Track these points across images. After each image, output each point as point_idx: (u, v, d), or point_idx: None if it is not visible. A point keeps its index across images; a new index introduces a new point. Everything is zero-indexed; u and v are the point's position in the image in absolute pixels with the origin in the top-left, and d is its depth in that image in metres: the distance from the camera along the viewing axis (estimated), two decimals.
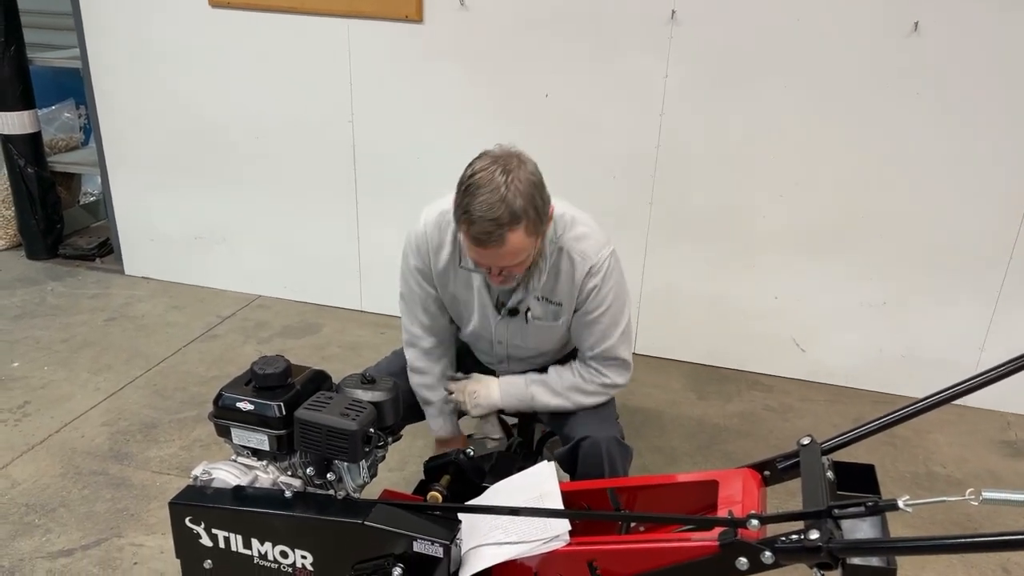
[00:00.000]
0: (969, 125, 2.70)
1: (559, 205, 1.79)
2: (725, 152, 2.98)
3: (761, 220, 3.03)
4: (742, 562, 1.22)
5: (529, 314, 1.87)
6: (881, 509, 1.16)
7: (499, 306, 1.89)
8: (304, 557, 1.46)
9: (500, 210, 1.57)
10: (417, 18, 3.03)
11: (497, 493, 1.59)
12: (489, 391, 1.94)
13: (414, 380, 2.01)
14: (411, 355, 2.02)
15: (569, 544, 1.36)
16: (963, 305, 2.93)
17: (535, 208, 1.62)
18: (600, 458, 1.77)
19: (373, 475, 1.59)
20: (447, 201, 1.74)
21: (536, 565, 1.41)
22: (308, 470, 1.55)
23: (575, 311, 1.86)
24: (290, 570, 1.47)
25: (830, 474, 1.31)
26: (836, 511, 1.18)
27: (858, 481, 1.32)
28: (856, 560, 1.14)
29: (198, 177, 3.61)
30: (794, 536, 1.18)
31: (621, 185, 3.13)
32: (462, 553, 1.43)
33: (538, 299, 1.85)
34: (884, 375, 3.04)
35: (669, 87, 2.92)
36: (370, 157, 3.36)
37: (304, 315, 3.56)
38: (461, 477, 1.70)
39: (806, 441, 1.38)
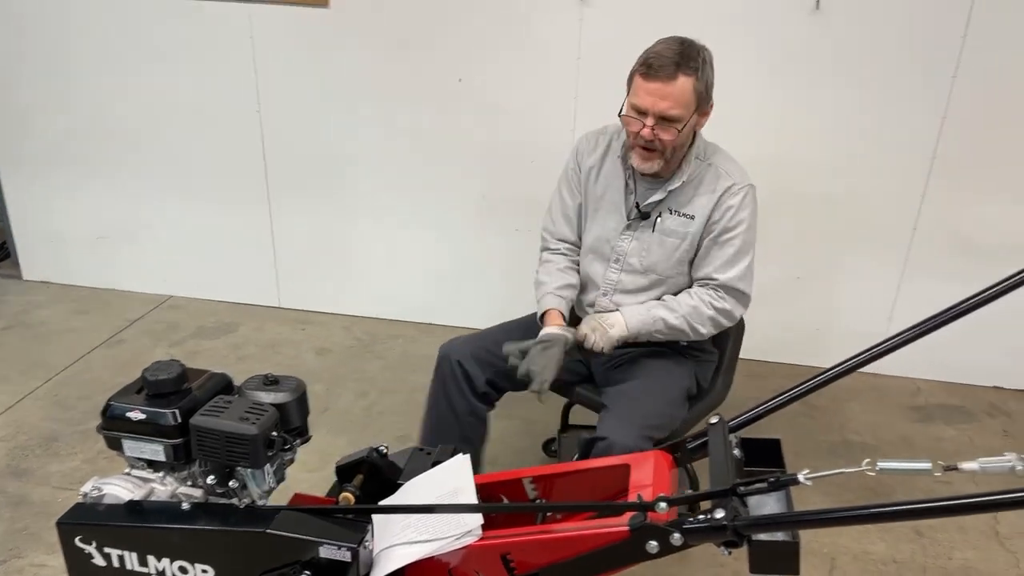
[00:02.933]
0: (872, 103, 2.78)
1: (711, 138, 1.91)
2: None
3: None
4: (652, 545, 1.21)
5: (659, 221, 1.89)
6: (783, 484, 1.17)
7: (631, 211, 1.91)
8: (205, 572, 1.38)
9: (678, 50, 1.70)
10: (322, 2, 2.92)
11: (411, 490, 1.54)
12: (617, 320, 1.90)
13: (538, 289, 2.08)
14: (543, 270, 2.10)
15: (482, 538, 1.33)
16: (871, 278, 3.02)
17: (706, 78, 1.74)
18: None
19: (280, 480, 1.52)
20: (607, 125, 1.98)
21: (451, 562, 1.37)
22: (209, 479, 1.47)
23: (706, 231, 1.87)
24: None
25: (737, 452, 1.32)
26: (740, 489, 1.18)
27: (765, 456, 1.33)
28: (761, 536, 1.14)
29: (99, 174, 3.42)
30: (701, 516, 1.18)
31: (539, 169, 3.10)
32: (374, 555, 1.38)
33: (671, 211, 1.89)
34: (800, 348, 3.11)
35: (582, 69, 2.90)
36: (281, 147, 3.25)
37: (219, 314, 3.42)
38: (375, 476, 1.64)
39: (714, 420, 1.39)
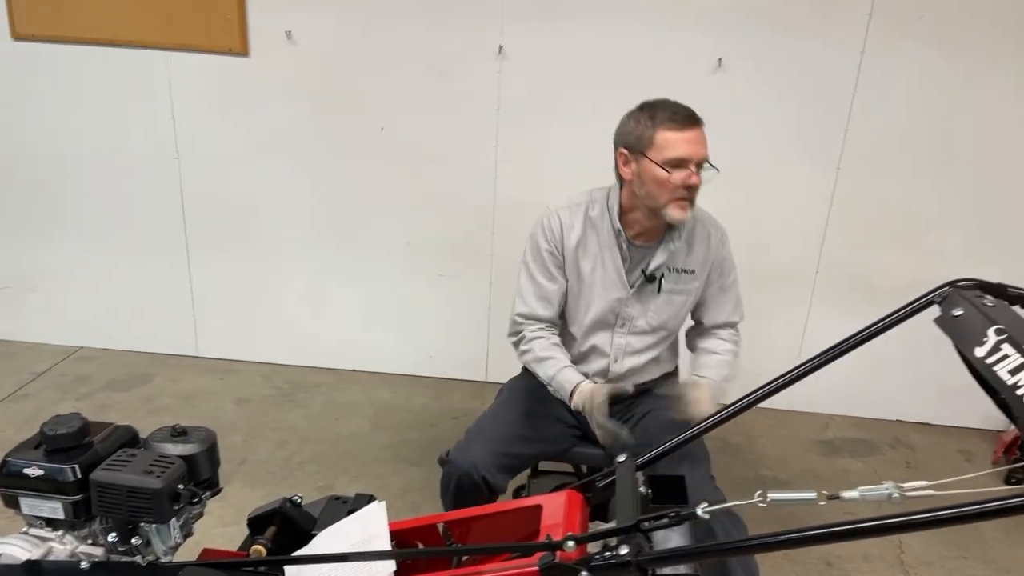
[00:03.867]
0: (773, 154, 2.95)
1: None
2: (561, 184, 3.06)
3: None
4: None
5: (663, 282, 1.90)
6: (684, 519, 1.21)
7: (637, 281, 1.91)
8: None
9: (682, 103, 1.81)
10: (242, 51, 2.94)
11: (325, 540, 1.52)
12: (705, 385, 1.88)
13: (545, 365, 1.94)
14: (538, 346, 1.96)
15: None
16: (780, 318, 3.17)
17: None
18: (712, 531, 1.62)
19: (188, 534, 1.48)
20: (570, 196, 1.97)
21: None
22: (110, 536, 1.41)
23: (708, 283, 1.95)
24: None
25: (643, 488, 1.35)
26: (644, 524, 1.21)
27: (671, 493, 1.37)
28: (665, 570, 1.18)
29: (3, 222, 3.29)
30: (607, 553, 1.21)
31: (465, 217, 3.16)
32: None
33: (670, 270, 1.91)
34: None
35: (502, 119, 2.99)
36: (201, 195, 3.21)
37: (132, 366, 3.31)
38: (288, 527, 1.61)
39: (622, 459, 1.42)
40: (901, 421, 3.21)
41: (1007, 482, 2.82)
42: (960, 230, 2.95)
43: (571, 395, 1.88)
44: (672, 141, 1.76)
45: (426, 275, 3.24)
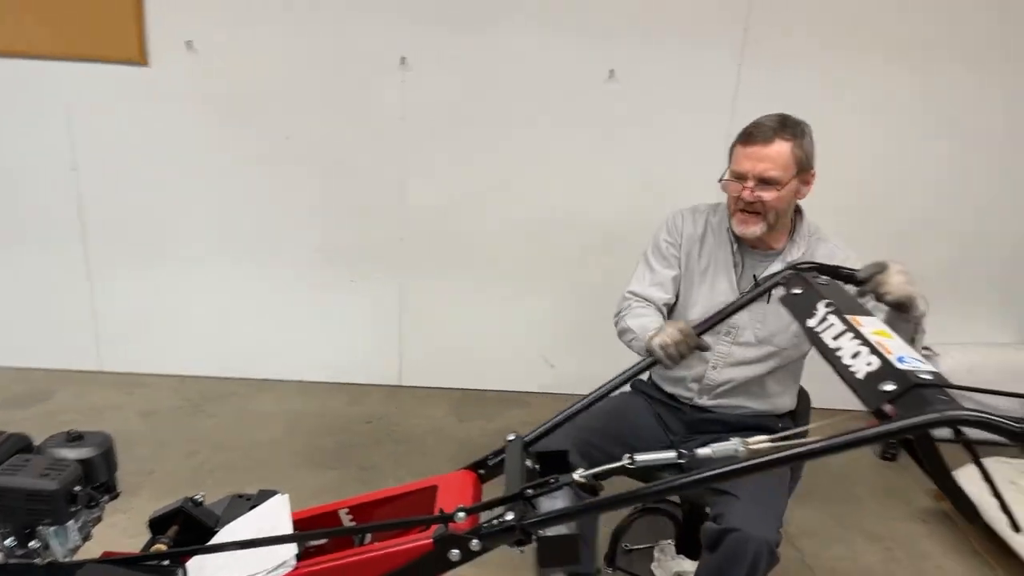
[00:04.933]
0: (665, 155, 3.14)
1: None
2: (467, 191, 3.19)
3: (503, 251, 3.27)
4: (455, 553, 1.32)
5: (774, 293, 1.72)
6: (562, 484, 1.32)
7: (746, 288, 1.82)
8: None
9: (779, 120, 1.76)
10: (141, 61, 2.93)
11: (228, 534, 1.56)
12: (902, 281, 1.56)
13: (639, 319, 1.84)
14: (640, 310, 1.89)
15: (296, 568, 1.38)
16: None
17: (806, 151, 1.77)
18: (744, 558, 1.59)
19: (86, 537, 1.49)
20: (698, 204, 1.98)
21: None
22: (7, 541, 1.42)
23: None
24: None
25: (529, 463, 1.46)
26: (528, 492, 1.32)
27: (556, 466, 1.48)
28: (547, 532, 1.28)
29: None
30: (495, 521, 1.30)
31: (375, 223, 3.23)
32: None
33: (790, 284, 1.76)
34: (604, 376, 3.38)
35: (407, 127, 3.08)
36: (101, 206, 3.16)
37: (32, 382, 3.21)
38: (190, 525, 1.63)
39: (511, 437, 1.53)
40: None
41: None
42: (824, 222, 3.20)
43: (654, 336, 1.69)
44: (737, 155, 1.80)
45: (337, 282, 3.28)
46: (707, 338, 1.79)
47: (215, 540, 1.55)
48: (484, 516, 1.37)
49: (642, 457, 1.29)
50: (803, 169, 1.78)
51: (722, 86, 3.05)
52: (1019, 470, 2.57)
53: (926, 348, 2.99)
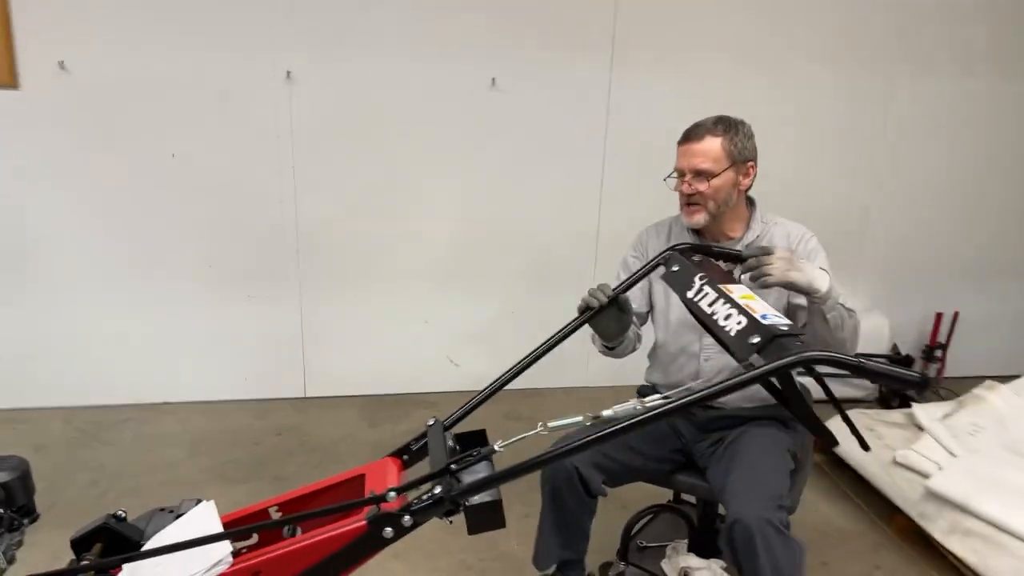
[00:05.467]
0: (544, 158, 3.33)
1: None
2: (358, 201, 3.26)
3: (399, 258, 3.36)
4: (388, 531, 1.41)
5: (742, 278, 1.73)
6: (484, 456, 1.45)
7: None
8: None
9: (713, 120, 1.93)
10: (11, 83, 2.81)
11: (157, 543, 1.57)
12: (814, 269, 1.72)
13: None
14: None
15: (233, 565, 1.43)
16: (567, 307, 3.54)
17: (739, 145, 1.90)
18: (754, 544, 1.63)
19: (11, 560, 1.48)
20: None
21: None
22: None
23: None
24: None
25: (450, 443, 1.57)
26: (453, 467, 1.43)
27: (475, 444, 1.60)
28: (473, 500, 1.40)
29: None
30: (424, 497, 1.41)
31: (268, 238, 3.23)
32: None
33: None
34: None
35: (296, 141, 3.11)
36: None
37: None
38: (115, 541, 1.63)
39: (431, 422, 1.64)
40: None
41: None
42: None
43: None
44: (677, 154, 1.98)
45: (234, 298, 3.25)
46: (689, 335, 1.99)
47: (145, 548, 1.57)
48: (412, 495, 1.47)
49: (553, 423, 1.43)
50: (737, 161, 1.90)
51: (597, 90, 3.27)
52: (876, 419, 2.93)
53: None
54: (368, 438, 3.14)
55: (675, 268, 1.64)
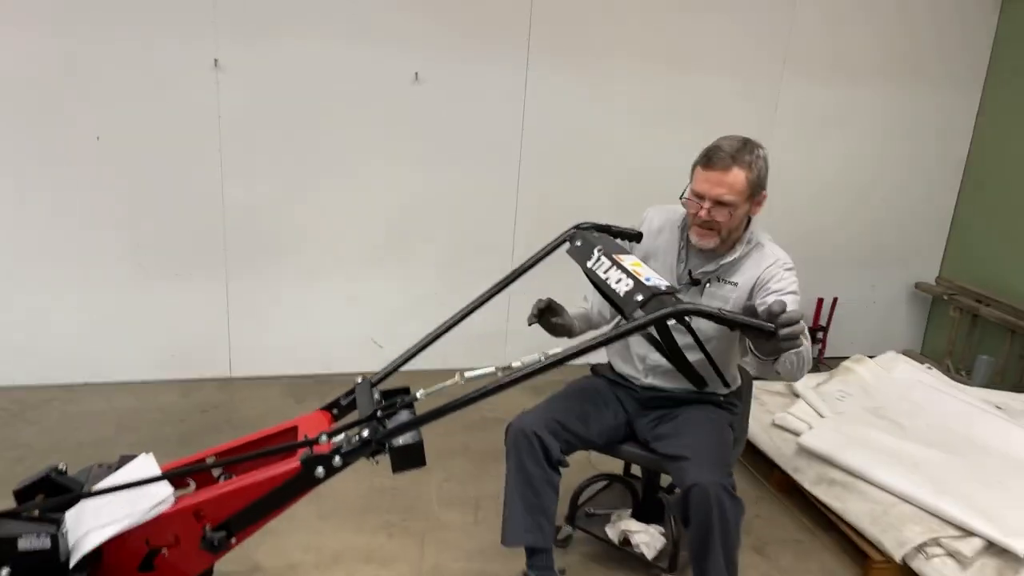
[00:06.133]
0: (464, 148, 3.53)
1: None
2: (284, 186, 3.37)
3: (326, 242, 3.49)
4: (320, 471, 1.58)
5: (707, 287, 2.02)
6: (408, 403, 1.65)
7: (683, 277, 2.06)
8: None
9: (738, 147, 1.93)
10: None
11: (96, 500, 1.68)
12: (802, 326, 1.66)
13: None
14: None
15: (175, 504, 1.57)
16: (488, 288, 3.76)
17: (759, 173, 1.95)
18: (709, 505, 1.85)
19: None
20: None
21: (148, 535, 1.57)
22: None
23: (751, 293, 2.01)
24: None
25: (377, 397, 1.75)
26: (379, 413, 1.62)
27: (399, 395, 1.78)
28: (398, 442, 1.58)
29: None
30: (354, 439, 1.58)
31: (195, 220, 3.30)
32: (71, 544, 1.52)
33: (718, 279, 2.04)
34: (440, 352, 3.72)
35: (224, 127, 3.20)
36: None
37: None
38: (57, 492, 1.74)
39: (359, 380, 1.82)
40: (589, 363, 3.99)
41: None
42: (614, 204, 3.78)
43: None
44: (697, 176, 2.00)
45: (160, 279, 3.31)
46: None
47: (87, 499, 1.68)
48: (341, 440, 1.64)
49: (469, 374, 1.63)
50: (755, 192, 1.98)
51: (514, 84, 3.49)
52: (761, 389, 3.25)
53: None
54: (294, 414, 3.22)
55: (578, 243, 1.87)
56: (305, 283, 3.52)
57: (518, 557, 2.17)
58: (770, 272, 2.03)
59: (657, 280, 1.58)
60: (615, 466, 2.60)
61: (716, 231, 2.01)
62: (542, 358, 1.61)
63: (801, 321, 1.55)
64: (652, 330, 1.58)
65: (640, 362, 2.22)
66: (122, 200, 3.19)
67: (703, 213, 1.98)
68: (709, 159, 1.96)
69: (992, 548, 2.29)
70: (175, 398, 3.30)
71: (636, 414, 2.23)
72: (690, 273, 2.10)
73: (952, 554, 2.31)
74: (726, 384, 2.19)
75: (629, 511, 2.47)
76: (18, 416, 3.04)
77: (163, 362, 3.43)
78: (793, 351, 1.68)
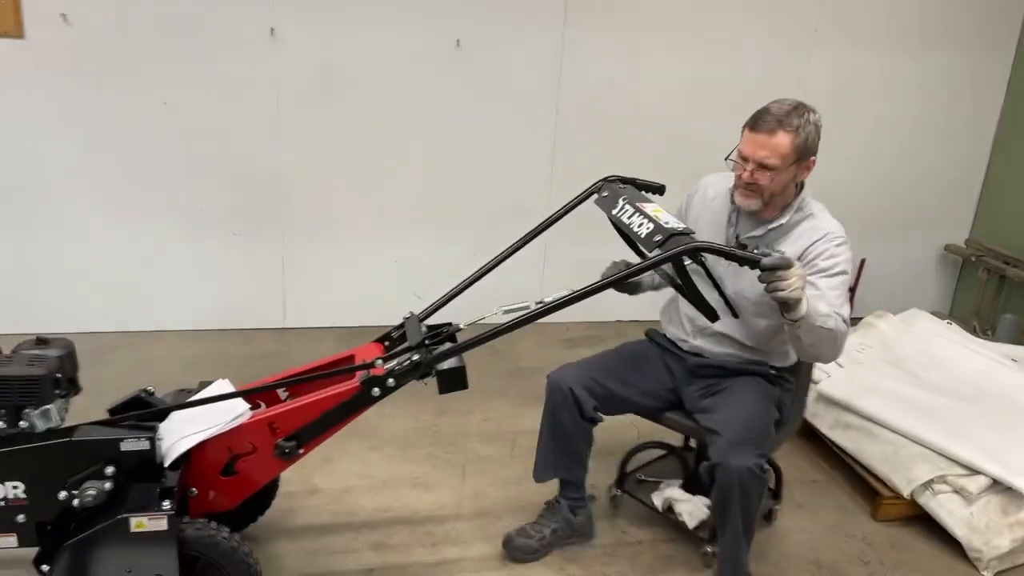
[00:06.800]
0: (503, 113, 3.70)
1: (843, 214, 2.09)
2: (336, 149, 3.59)
3: (373, 203, 3.71)
4: (375, 391, 1.80)
5: (753, 251, 1.87)
6: (452, 333, 1.86)
7: (731, 240, 2.08)
8: (15, 487, 1.66)
9: (786, 111, 1.92)
10: (18, 34, 3.06)
11: (183, 410, 1.93)
12: (798, 283, 1.74)
13: None
14: None
15: (252, 417, 1.81)
16: (525, 250, 3.94)
17: (807, 138, 1.93)
18: (731, 486, 1.91)
19: (63, 419, 1.81)
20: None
21: (230, 442, 1.81)
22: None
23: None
24: (2, 503, 1.66)
25: (424, 330, 1.96)
26: (427, 342, 1.83)
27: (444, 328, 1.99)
28: (444, 366, 1.79)
29: None
30: (405, 363, 1.80)
31: (253, 183, 3.55)
32: (164, 449, 1.77)
33: (766, 246, 1.97)
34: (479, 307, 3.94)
35: (281, 93, 3.42)
36: None
37: None
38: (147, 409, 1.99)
39: (407, 315, 2.03)
40: (620, 320, 4.17)
41: None
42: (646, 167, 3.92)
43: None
44: (744, 137, 1.99)
45: (221, 236, 3.57)
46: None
47: (172, 416, 1.92)
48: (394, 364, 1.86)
49: (506, 307, 1.83)
50: (802, 157, 1.96)
51: (550, 50, 3.64)
52: None
53: None
54: None
55: (605, 194, 2.05)
56: (353, 242, 3.75)
57: (551, 485, 2.38)
58: (819, 247, 1.99)
59: (675, 223, 1.75)
60: (676, 437, 2.57)
61: (759, 193, 1.99)
62: (532, 304, 1.80)
63: (796, 267, 1.69)
64: (670, 269, 1.76)
65: (689, 323, 2.22)
66: (187, 163, 3.44)
67: (746, 175, 1.98)
68: (756, 122, 1.95)
69: (997, 486, 2.44)
70: (235, 346, 3.58)
71: (684, 382, 2.22)
72: (737, 237, 2.11)
73: (958, 491, 2.46)
74: (777, 356, 2.16)
75: (680, 481, 2.48)
76: (94, 358, 3.34)
77: (222, 313, 3.70)
78: (819, 323, 1.79)
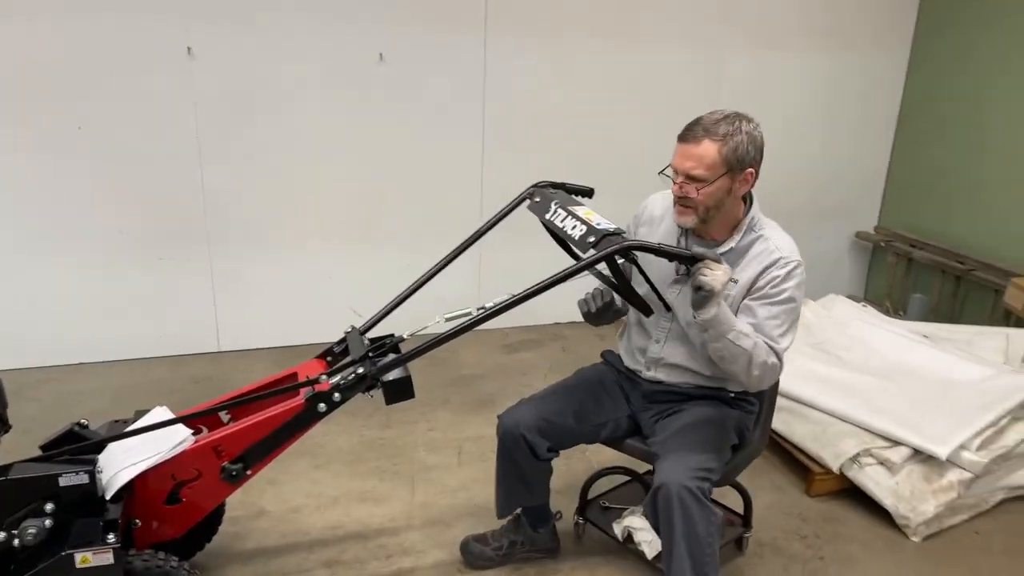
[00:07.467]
0: (429, 125, 3.73)
1: (762, 213, 2.00)
2: (262, 166, 3.54)
3: (303, 219, 3.68)
4: (321, 407, 1.80)
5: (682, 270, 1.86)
6: (395, 344, 1.87)
7: (679, 269, 1.98)
8: None
9: (715, 120, 1.83)
10: None
11: (120, 441, 1.88)
12: (722, 277, 1.76)
13: None
14: None
15: (195, 443, 1.78)
16: (461, 257, 3.97)
17: (738, 148, 1.82)
18: (671, 508, 1.81)
19: None
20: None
21: (173, 470, 1.78)
22: None
23: (749, 293, 1.92)
24: None
25: (367, 343, 1.97)
26: (371, 354, 1.84)
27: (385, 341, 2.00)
28: (389, 377, 1.81)
29: None
30: (350, 377, 1.80)
31: (177, 205, 3.46)
32: (104, 482, 1.73)
33: None
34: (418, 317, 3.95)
35: (200, 113, 3.36)
36: None
37: None
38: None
39: (349, 329, 2.03)
40: (558, 323, 4.24)
41: None
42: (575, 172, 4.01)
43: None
44: (675, 150, 1.90)
45: (145, 262, 3.47)
46: (653, 317, 1.97)
47: (111, 447, 1.88)
48: (339, 379, 1.86)
49: (448, 315, 1.85)
50: (734, 168, 1.85)
51: (473, 63, 3.69)
52: None
53: None
54: None
55: (537, 199, 2.10)
56: (285, 260, 3.70)
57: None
58: (771, 274, 1.91)
59: (607, 224, 1.82)
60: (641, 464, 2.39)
61: (693, 208, 1.89)
62: (474, 311, 1.83)
63: (725, 267, 1.75)
64: (604, 269, 1.82)
65: (641, 355, 2.14)
66: (105, 187, 3.33)
67: (675, 188, 1.90)
68: (684, 132, 1.88)
69: (918, 455, 2.60)
70: (167, 373, 3.48)
71: (640, 408, 2.15)
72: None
73: (882, 462, 2.62)
74: (735, 382, 2.03)
75: (643, 509, 2.32)
76: (17, 395, 3.19)
77: (151, 341, 3.60)
78: (731, 336, 1.80)
